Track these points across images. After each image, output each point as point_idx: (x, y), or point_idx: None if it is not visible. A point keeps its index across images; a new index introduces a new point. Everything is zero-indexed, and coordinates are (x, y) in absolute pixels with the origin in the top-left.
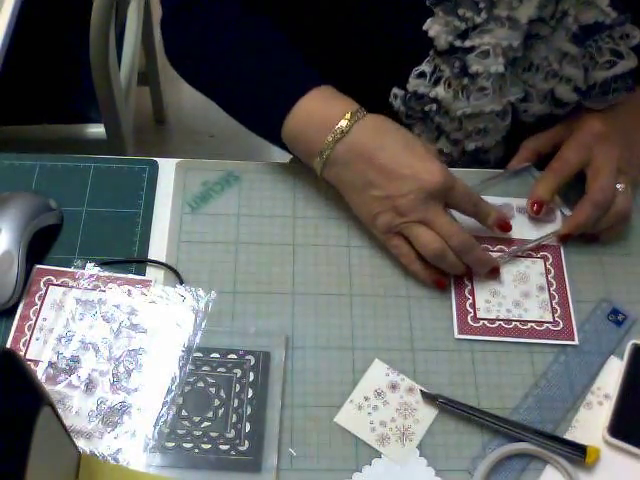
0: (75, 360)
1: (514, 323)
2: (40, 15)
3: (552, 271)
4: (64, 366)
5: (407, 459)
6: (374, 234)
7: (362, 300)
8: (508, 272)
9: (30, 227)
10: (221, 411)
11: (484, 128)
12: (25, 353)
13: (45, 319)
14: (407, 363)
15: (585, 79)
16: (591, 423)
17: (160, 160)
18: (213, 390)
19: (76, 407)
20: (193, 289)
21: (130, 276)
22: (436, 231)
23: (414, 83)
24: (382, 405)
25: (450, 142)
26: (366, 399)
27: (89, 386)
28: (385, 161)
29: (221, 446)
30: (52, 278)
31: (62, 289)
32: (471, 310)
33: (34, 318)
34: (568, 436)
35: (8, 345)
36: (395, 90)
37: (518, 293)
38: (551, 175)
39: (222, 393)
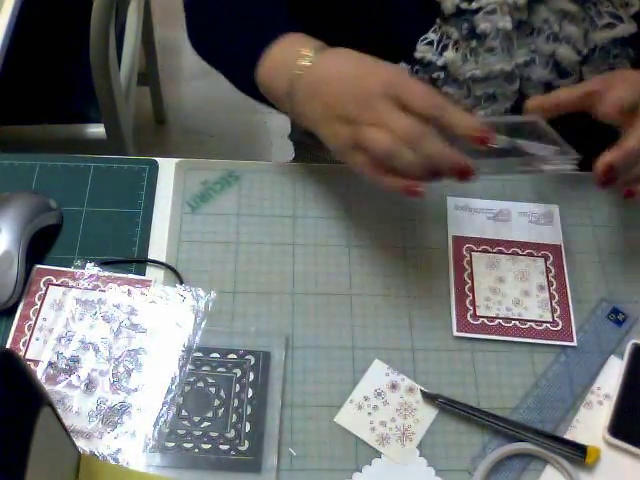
0: (75, 360)
1: (513, 322)
2: (40, 15)
3: (552, 270)
4: (64, 366)
5: (407, 459)
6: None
7: (362, 300)
8: (509, 270)
9: (30, 227)
10: (221, 411)
11: (492, 94)
12: (25, 353)
13: (45, 319)
14: (407, 363)
15: (585, 42)
16: (591, 423)
17: (160, 160)
18: (213, 390)
19: (76, 407)
20: (193, 289)
21: (130, 276)
22: (388, 128)
23: (422, 49)
24: (382, 405)
25: None
26: (366, 399)
27: (89, 386)
28: (340, 82)
29: (221, 446)
30: (52, 278)
31: (62, 289)
32: (471, 307)
33: (34, 318)
34: (568, 436)
35: (8, 345)
36: (402, 64)
37: (518, 291)
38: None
39: (222, 393)
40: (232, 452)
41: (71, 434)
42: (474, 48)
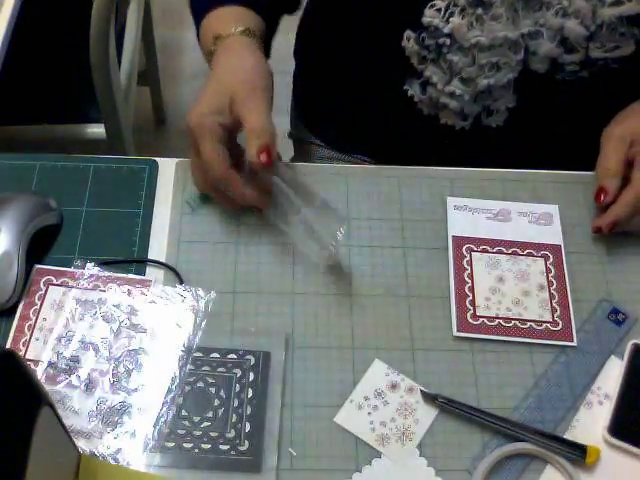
0: (75, 360)
1: (513, 322)
2: (40, 15)
3: (552, 270)
4: (64, 366)
5: (407, 459)
6: None
7: (362, 300)
8: (509, 270)
9: (30, 227)
10: (221, 411)
11: (496, 63)
12: (25, 353)
13: (45, 319)
14: (407, 363)
15: (593, 18)
16: (591, 423)
17: (160, 160)
18: (213, 390)
19: (76, 407)
20: (193, 289)
21: (130, 276)
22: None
23: (430, 14)
24: (382, 405)
25: (462, 82)
26: (366, 399)
27: (89, 386)
28: (208, 84)
29: (221, 446)
30: (52, 278)
31: (62, 289)
32: (471, 307)
33: (34, 318)
34: (568, 436)
35: (8, 345)
36: (408, 32)
37: (518, 291)
38: (627, 206)
39: (222, 393)
40: (232, 452)
41: (71, 434)
42: (479, 15)
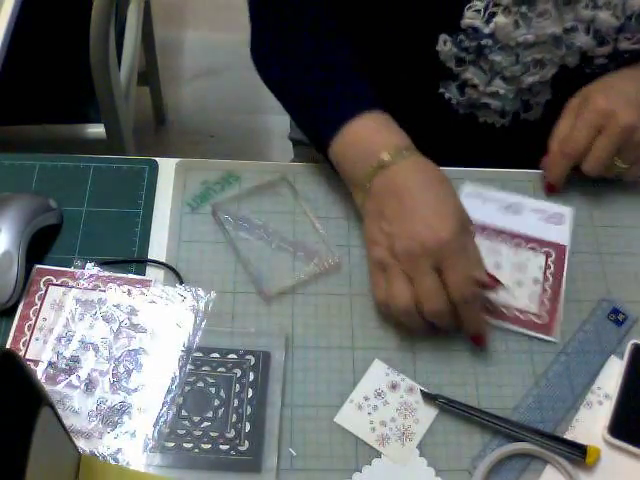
0: (75, 360)
1: (499, 308)
2: (40, 15)
3: (552, 267)
4: (64, 366)
5: (407, 459)
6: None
7: (362, 300)
8: (508, 260)
9: (30, 227)
10: (221, 411)
11: (541, 59)
12: (25, 353)
13: (45, 319)
14: (407, 363)
15: (623, 9)
16: (591, 423)
17: (160, 160)
18: (213, 390)
19: (76, 407)
20: (193, 289)
21: (130, 276)
22: (415, 288)
23: (470, 16)
24: (382, 405)
25: (505, 81)
26: (366, 399)
27: (89, 386)
28: (407, 203)
29: (221, 446)
30: (52, 278)
31: (62, 289)
32: None
33: (34, 318)
34: (568, 436)
35: (8, 345)
36: (444, 36)
37: (512, 281)
38: (562, 159)
39: (222, 393)
40: (232, 452)
41: (71, 434)
42: (524, 13)
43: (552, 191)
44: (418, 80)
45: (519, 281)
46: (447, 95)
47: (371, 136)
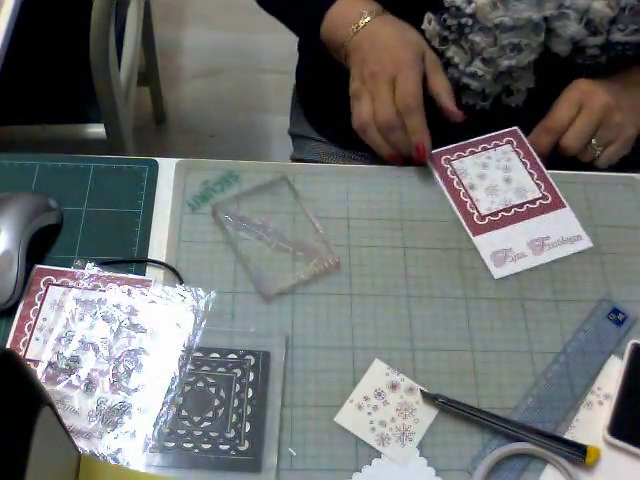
0: (75, 360)
1: (513, 209)
2: (40, 15)
3: (521, 152)
4: (64, 366)
5: (407, 459)
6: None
7: (362, 300)
8: (487, 167)
9: (30, 227)
10: (221, 411)
11: (518, 44)
12: (25, 353)
13: (45, 319)
14: (407, 363)
15: (618, 0)
16: (591, 423)
17: (160, 160)
18: (213, 390)
19: (76, 407)
20: (193, 289)
21: (130, 276)
22: (376, 103)
23: None
24: (382, 405)
25: (484, 63)
26: (366, 399)
27: (89, 386)
28: (379, 43)
29: (221, 446)
30: (52, 278)
31: (62, 289)
32: (473, 211)
33: (34, 318)
34: (568, 436)
35: (8, 345)
36: (429, 14)
37: (500, 180)
38: (544, 134)
39: (222, 393)
40: (232, 452)
41: (71, 434)
42: None
43: (543, 159)
44: None
45: (507, 178)
46: None
47: (348, 11)
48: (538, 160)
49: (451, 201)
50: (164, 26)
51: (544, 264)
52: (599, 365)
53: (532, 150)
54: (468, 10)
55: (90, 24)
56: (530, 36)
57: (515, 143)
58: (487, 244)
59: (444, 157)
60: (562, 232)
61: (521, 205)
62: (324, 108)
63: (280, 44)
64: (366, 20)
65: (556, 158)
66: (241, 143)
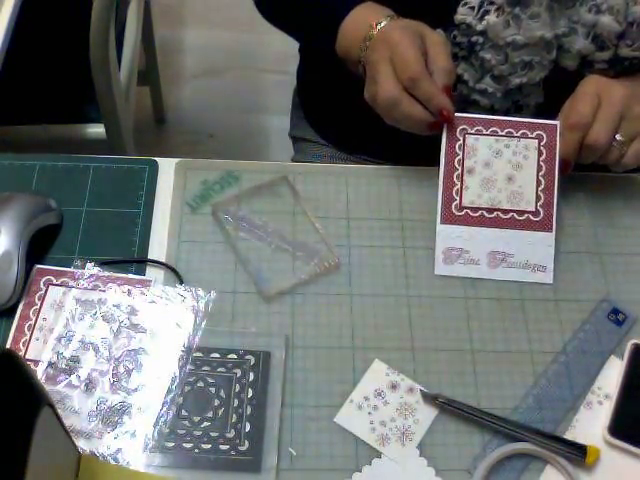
0: (75, 360)
1: (496, 212)
2: (40, 15)
3: (544, 153)
4: (64, 366)
5: (407, 459)
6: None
7: (362, 300)
8: (500, 156)
9: (30, 227)
10: (221, 411)
11: (529, 62)
12: (25, 353)
13: (45, 319)
14: (407, 363)
15: (625, 15)
16: (591, 423)
17: (160, 160)
18: (213, 390)
19: (76, 407)
20: (193, 289)
21: (130, 276)
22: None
23: (462, 12)
24: (382, 405)
25: (494, 80)
26: (366, 399)
27: (89, 386)
28: (389, 39)
29: (221, 446)
30: (52, 278)
31: (62, 289)
32: (456, 197)
33: (34, 318)
34: (568, 436)
35: (8, 345)
36: (439, 30)
37: (504, 175)
38: (569, 132)
39: (222, 393)
40: (232, 452)
41: (71, 434)
42: (517, 14)
43: (567, 168)
44: None
45: (511, 177)
46: None
47: (361, 21)
48: (557, 169)
49: (441, 177)
50: (164, 26)
51: (492, 280)
52: (599, 365)
53: (557, 156)
54: (479, 28)
55: (90, 24)
56: (542, 54)
57: (545, 140)
58: (447, 237)
59: (462, 127)
60: (529, 256)
61: (507, 212)
62: (325, 111)
63: (280, 44)
64: (377, 29)
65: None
66: (241, 143)
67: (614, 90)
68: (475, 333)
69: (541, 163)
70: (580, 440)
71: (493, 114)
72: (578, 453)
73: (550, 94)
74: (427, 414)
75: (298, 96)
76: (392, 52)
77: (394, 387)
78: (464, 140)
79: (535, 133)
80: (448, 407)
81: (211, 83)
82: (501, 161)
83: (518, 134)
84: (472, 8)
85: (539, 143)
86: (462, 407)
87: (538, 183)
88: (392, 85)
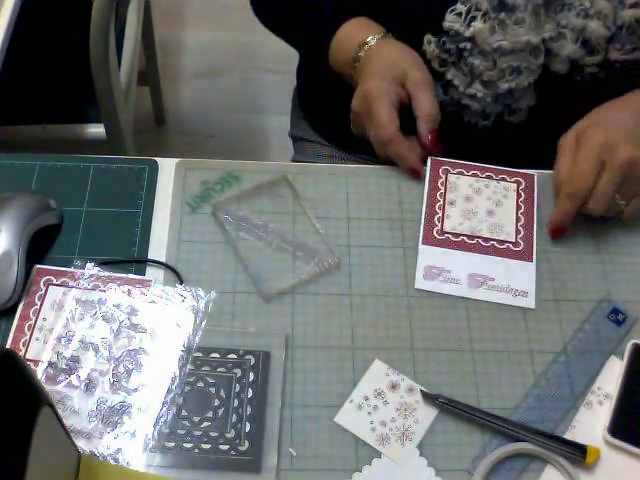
0: (75, 360)
1: (476, 239)
2: (40, 15)
3: (522, 195)
4: (64, 366)
5: (407, 459)
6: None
7: (362, 300)
8: (480, 193)
9: (30, 227)
10: (221, 411)
11: (517, 67)
12: (25, 353)
13: (45, 319)
14: (407, 363)
15: (614, 19)
16: (591, 423)
17: (160, 160)
18: (213, 390)
19: (76, 407)
20: (193, 289)
21: (130, 276)
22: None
23: (450, 19)
24: (382, 405)
25: (483, 85)
26: (366, 399)
27: (89, 386)
28: (375, 60)
29: (221, 446)
30: (52, 278)
31: (62, 289)
32: (438, 224)
33: (34, 318)
34: (568, 436)
35: (8, 345)
36: (428, 36)
37: (485, 209)
38: (568, 200)
39: (222, 393)
40: (232, 452)
41: (71, 434)
42: (502, 20)
43: (558, 234)
44: None
45: (491, 211)
46: None
47: (353, 35)
48: (535, 211)
49: (423, 207)
50: (164, 26)
51: (472, 299)
52: (599, 365)
53: (535, 201)
54: (467, 34)
55: (90, 24)
56: (529, 59)
57: (523, 185)
58: (429, 257)
59: (444, 167)
60: (511, 281)
61: (488, 240)
62: (325, 111)
63: (280, 44)
64: (365, 49)
65: (549, 158)
66: (241, 143)
67: (618, 153)
68: (475, 333)
69: (520, 203)
70: (580, 440)
71: (485, 118)
72: (578, 453)
73: (543, 97)
74: (427, 414)
75: (298, 96)
76: (369, 108)
77: (394, 387)
78: (446, 178)
79: (514, 179)
80: (448, 407)
81: (211, 83)
82: (481, 197)
83: (497, 178)
84: (460, 14)
85: (517, 187)
86: (462, 407)
87: (518, 219)
88: (386, 127)
